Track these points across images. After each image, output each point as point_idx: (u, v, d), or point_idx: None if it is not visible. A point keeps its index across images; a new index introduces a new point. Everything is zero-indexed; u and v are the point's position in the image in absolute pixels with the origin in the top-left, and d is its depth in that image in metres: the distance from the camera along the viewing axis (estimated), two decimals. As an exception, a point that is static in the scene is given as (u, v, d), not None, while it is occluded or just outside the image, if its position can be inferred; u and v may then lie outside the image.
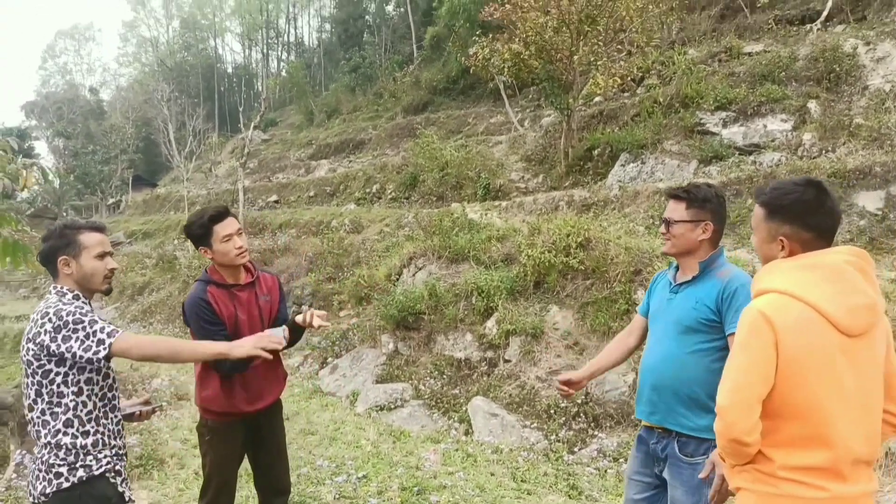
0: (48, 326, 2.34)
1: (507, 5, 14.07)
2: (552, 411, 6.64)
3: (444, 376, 7.88)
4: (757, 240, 2.16)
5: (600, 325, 7.34)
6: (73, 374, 2.40)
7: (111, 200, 41.97)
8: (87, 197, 41.97)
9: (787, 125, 11.20)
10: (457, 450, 6.20)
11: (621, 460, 5.68)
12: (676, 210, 2.80)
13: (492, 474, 5.56)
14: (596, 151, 13.51)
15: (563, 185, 13.54)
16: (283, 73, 51.23)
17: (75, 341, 2.33)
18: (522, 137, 17.27)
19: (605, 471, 5.57)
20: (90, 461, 2.42)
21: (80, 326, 2.34)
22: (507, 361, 7.55)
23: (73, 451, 2.40)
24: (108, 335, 2.36)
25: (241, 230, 3.20)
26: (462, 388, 7.59)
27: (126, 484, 2.58)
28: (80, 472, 2.40)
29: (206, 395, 3.17)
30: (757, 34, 16.24)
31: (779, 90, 11.57)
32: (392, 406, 7.64)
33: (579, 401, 6.57)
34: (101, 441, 2.47)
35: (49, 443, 2.40)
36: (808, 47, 12.38)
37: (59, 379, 2.39)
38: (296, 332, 3.17)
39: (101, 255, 2.56)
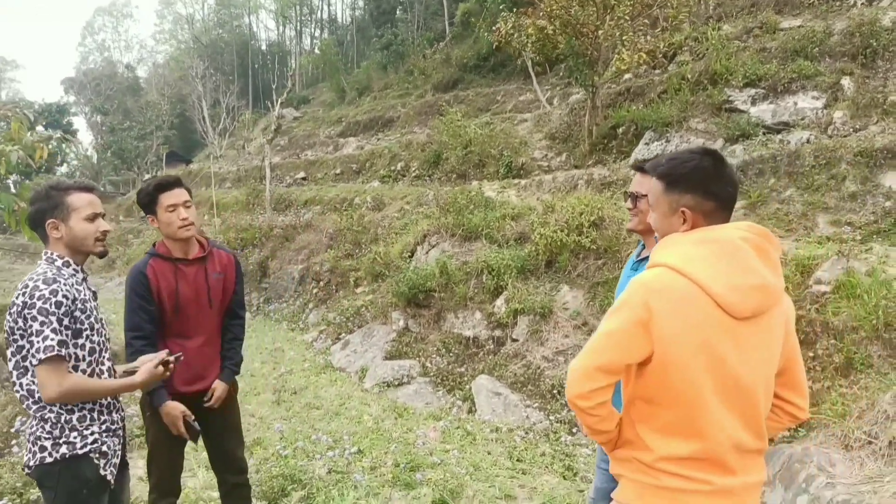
0: (19, 301, 2.27)
1: (533, -21, 13.78)
2: (556, 391, 6.55)
3: (452, 354, 7.84)
4: (657, 215, 2.01)
5: (610, 306, 7.19)
6: None
7: (147, 176, 42.68)
8: (123, 172, 42.72)
9: (818, 103, 10.78)
10: (457, 427, 6.17)
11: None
12: (644, 184, 2.69)
13: (488, 453, 5.52)
14: (620, 129, 13.22)
15: (587, 163, 13.29)
16: (316, 51, 51.25)
17: (37, 326, 2.23)
18: (548, 115, 16.99)
19: (603, 453, 5.47)
20: (74, 437, 2.35)
21: (41, 318, 2.23)
22: (514, 340, 7.48)
23: (58, 426, 2.33)
24: (43, 352, 2.21)
25: (188, 202, 3.12)
26: (468, 367, 7.54)
27: (111, 465, 2.46)
28: (63, 449, 2.33)
29: None
30: (797, 9, 15.65)
31: (811, 66, 11.13)
32: (399, 382, 7.63)
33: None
34: (87, 416, 2.39)
35: (35, 416, 2.35)
36: (844, 21, 11.87)
37: (29, 356, 2.30)
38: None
39: (92, 217, 2.44)
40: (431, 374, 7.63)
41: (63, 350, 2.25)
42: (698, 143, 11.48)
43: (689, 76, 12.85)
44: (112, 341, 2.68)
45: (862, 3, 13.65)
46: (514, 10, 15.40)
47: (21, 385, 2.34)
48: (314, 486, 4.57)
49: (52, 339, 2.23)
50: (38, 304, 2.24)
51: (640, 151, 12.33)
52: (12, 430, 4.92)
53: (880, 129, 9.36)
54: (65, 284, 2.33)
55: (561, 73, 22.48)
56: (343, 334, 9.75)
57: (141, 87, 59.56)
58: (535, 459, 5.39)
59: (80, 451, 2.36)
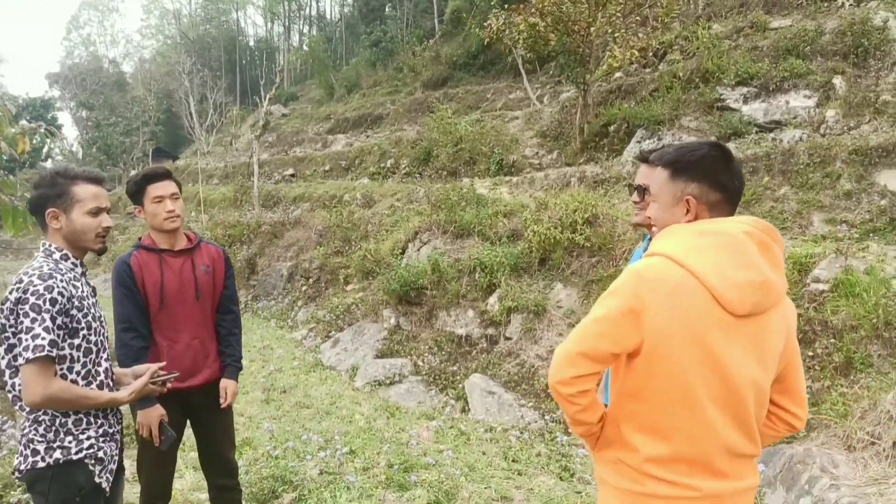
0: (13, 295, 2.12)
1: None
2: (550, 390, 6.46)
3: (444, 352, 7.74)
4: (658, 206, 1.93)
5: (604, 304, 7.12)
6: None
7: (133, 172, 42.19)
8: (108, 168, 42.26)
9: (810, 101, 10.77)
10: (450, 427, 6.07)
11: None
12: (650, 176, 2.57)
13: (483, 453, 5.42)
14: (612, 127, 13.17)
15: (578, 161, 13.23)
16: (305, 47, 50.95)
17: (27, 323, 2.08)
18: (539, 113, 16.92)
19: (600, 453, 5.38)
20: (69, 442, 2.19)
21: (33, 314, 2.08)
22: (507, 339, 7.39)
23: (53, 429, 2.18)
24: (32, 351, 2.06)
25: (176, 195, 3.07)
26: (461, 365, 7.44)
27: (107, 472, 2.30)
28: (57, 454, 2.17)
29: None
30: (785, 10, 15.69)
31: (803, 65, 11.13)
32: (390, 381, 7.52)
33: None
34: (84, 420, 2.24)
35: (28, 417, 2.21)
36: (835, 20, 11.88)
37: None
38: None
39: (96, 212, 2.29)
40: (424, 372, 7.53)
41: (54, 351, 2.10)
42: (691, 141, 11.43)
43: (681, 74, 12.81)
44: (110, 340, 2.54)
45: (850, 4, 13.69)
46: (506, 6, 15.31)
47: (13, 385, 2.20)
48: (306, 487, 4.45)
49: (44, 339, 2.08)
50: (32, 299, 2.10)
51: (632, 149, 12.28)
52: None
53: (873, 128, 9.35)
54: (62, 280, 2.18)
55: (551, 72, 22.46)
56: (333, 332, 9.62)
57: (127, 82, 58.95)
58: (530, 460, 5.30)
59: (74, 457, 2.21)
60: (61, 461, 2.18)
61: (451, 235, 9.19)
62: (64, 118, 57.91)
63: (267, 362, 8.88)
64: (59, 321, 2.14)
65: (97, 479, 2.26)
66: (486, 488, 4.68)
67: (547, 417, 6.15)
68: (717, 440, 1.72)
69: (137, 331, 2.96)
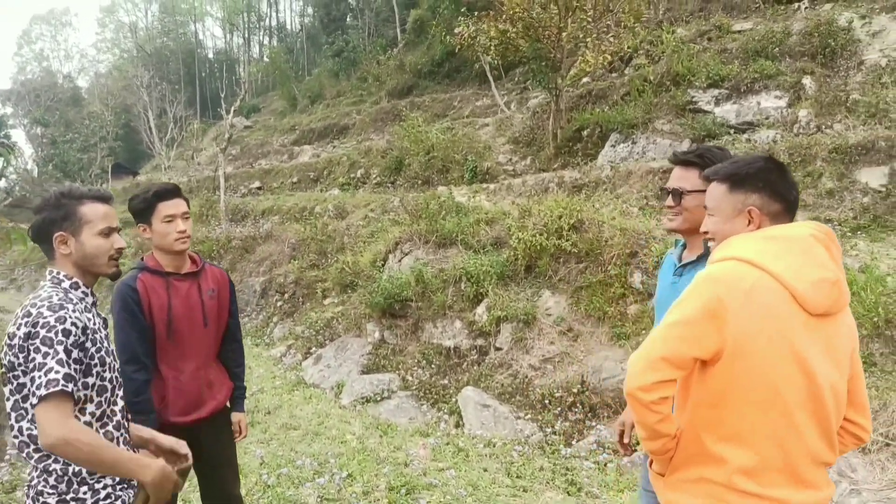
0: (22, 331, 1.89)
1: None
2: (546, 401, 6.32)
3: (433, 366, 7.54)
4: (717, 219, 1.93)
5: (595, 310, 7.03)
6: None
7: (90, 188, 41.08)
8: (48, 191, 41.17)
9: (781, 102, 10.89)
10: (447, 444, 5.89)
11: (622, 453, 5.37)
12: (688, 178, 2.43)
13: (485, 470, 5.25)
14: (585, 132, 13.16)
15: (552, 166, 13.20)
16: (265, 59, 50.39)
17: (41, 357, 1.84)
18: (509, 119, 16.88)
19: (605, 464, 5.26)
20: (84, 493, 1.97)
21: (45, 349, 1.85)
22: (498, 349, 7.23)
23: (65, 479, 1.94)
24: (45, 387, 1.80)
25: (187, 214, 2.87)
26: (451, 378, 7.26)
27: None
28: None
29: None
30: (745, 13, 15.94)
31: (772, 66, 11.25)
32: (379, 398, 7.30)
33: (575, 390, 6.26)
34: None
35: (37, 467, 1.96)
36: (801, 22, 12.07)
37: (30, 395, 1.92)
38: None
39: (107, 232, 2.10)
40: (413, 387, 7.32)
41: (69, 385, 1.85)
42: (665, 144, 11.49)
43: (652, 78, 12.88)
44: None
45: (806, 8, 13.95)
46: (472, 14, 15.24)
47: (21, 430, 1.95)
48: (306, 516, 4.23)
49: (58, 372, 1.83)
50: (43, 332, 1.87)
51: (607, 154, 12.29)
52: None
53: (844, 126, 9.47)
54: (73, 311, 1.95)
55: (517, 78, 22.52)
56: (314, 348, 9.35)
57: (83, 97, 57.63)
58: (534, 475, 5.14)
59: None
60: None
61: (433, 245, 9.02)
62: (17, 136, 56.29)
63: (247, 382, 8.55)
64: (74, 354, 1.91)
65: None
66: (493, 508, 4.51)
67: (546, 429, 5.99)
68: (803, 447, 1.67)
69: (140, 362, 2.73)
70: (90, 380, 1.99)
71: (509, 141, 15.36)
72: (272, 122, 36.80)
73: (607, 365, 6.46)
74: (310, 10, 54.16)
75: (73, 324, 1.93)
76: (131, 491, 2.11)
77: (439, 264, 8.63)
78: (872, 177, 7.39)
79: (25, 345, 1.88)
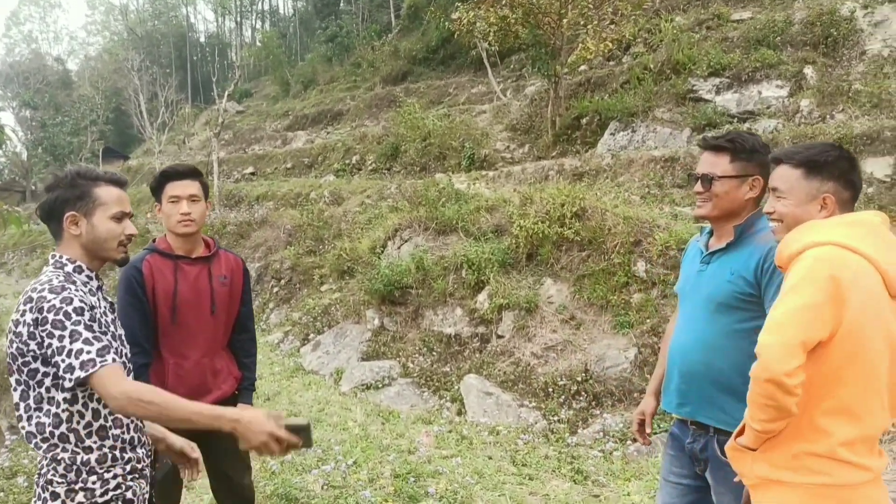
0: (28, 318, 1.84)
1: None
2: (550, 389, 6.29)
3: (434, 353, 7.50)
4: (790, 202, 1.98)
5: (598, 299, 6.99)
6: None
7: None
8: (56, 170, 40.77)
9: (782, 91, 10.86)
10: (450, 431, 5.85)
11: (627, 441, 5.36)
12: (718, 164, 2.36)
13: (489, 458, 5.22)
14: (584, 120, 13.09)
15: (551, 154, 13.12)
16: (258, 43, 49.91)
17: (57, 341, 1.80)
18: (507, 107, 16.77)
19: (611, 453, 5.23)
20: (93, 483, 1.91)
21: (59, 332, 1.80)
22: (500, 337, 7.19)
23: (74, 468, 1.89)
24: (81, 368, 1.77)
25: (195, 197, 2.79)
26: (453, 366, 7.22)
27: None
28: (80, 497, 1.89)
29: None
30: (742, 2, 15.87)
31: (774, 55, 11.21)
32: (379, 385, 7.25)
33: (579, 378, 6.23)
34: (109, 456, 1.94)
35: (45, 456, 1.90)
36: (803, 11, 12.01)
37: (47, 381, 1.87)
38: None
39: (120, 217, 2.04)
40: (414, 374, 7.27)
41: (107, 357, 1.81)
42: (665, 133, 11.45)
43: (652, 66, 12.81)
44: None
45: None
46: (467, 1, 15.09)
47: (29, 419, 1.90)
48: (313, 504, 4.18)
49: (90, 352, 1.79)
50: (51, 316, 1.80)
51: (606, 142, 12.23)
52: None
53: (846, 116, 9.45)
54: (77, 291, 1.89)
55: (513, 65, 22.36)
56: (312, 335, 9.28)
57: (73, 80, 56.85)
58: (539, 463, 5.11)
59: (99, 500, 1.91)
60: None
61: (433, 232, 8.95)
62: (6, 118, 55.63)
63: (244, 368, 8.49)
64: (95, 328, 1.85)
65: None
66: (500, 496, 4.47)
67: (551, 418, 5.97)
68: (885, 421, 1.83)
69: (140, 345, 2.65)
70: None
71: (507, 128, 15.26)
72: (264, 107, 36.48)
73: (610, 353, 6.43)
74: (303, -5, 53.68)
75: (81, 300, 1.87)
76: (143, 481, 2.05)
77: (439, 251, 8.56)
78: (877, 167, 7.37)
79: (35, 332, 1.82)
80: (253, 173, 23.07)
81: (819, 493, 1.77)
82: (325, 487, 4.48)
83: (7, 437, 5.13)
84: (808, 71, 10.74)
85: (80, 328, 1.82)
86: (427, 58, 27.71)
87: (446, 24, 17.49)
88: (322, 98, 30.79)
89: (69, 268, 1.99)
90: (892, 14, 10.75)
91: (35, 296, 1.85)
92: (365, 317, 8.58)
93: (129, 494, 1.98)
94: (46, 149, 39.52)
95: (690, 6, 16.62)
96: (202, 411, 1.87)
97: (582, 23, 12.74)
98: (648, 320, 6.46)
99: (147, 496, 2.09)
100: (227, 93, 20.50)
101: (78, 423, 1.91)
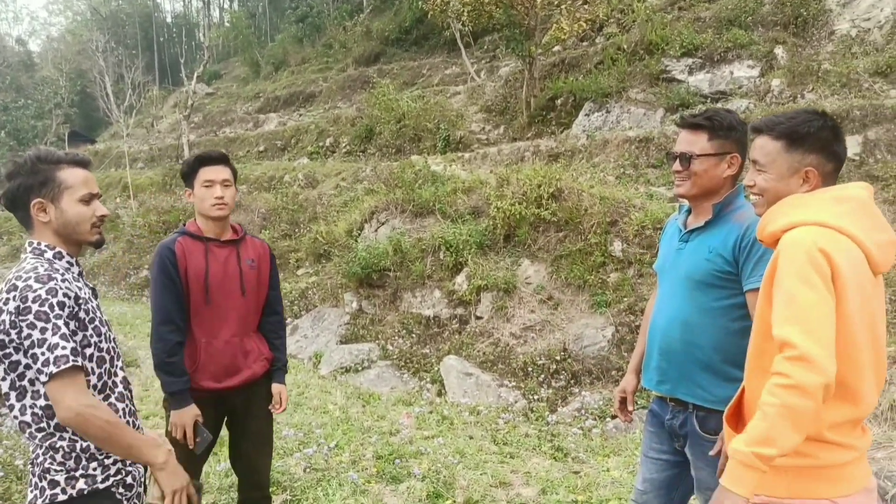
0: (11, 306, 1.78)
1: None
2: (529, 369, 6.36)
3: (413, 335, 7.52)
4: (770, 176, 1.90)
5: (575, 279, 7.06)
6: None
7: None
8: (20, 154, 39.78)
9: (753, 71, 10.97)
10: (431, 412, 5.88)
11: (606, 419, 5.44)
12: (696, 142, 2.35)
13: (470, 437, 5.26)
14: (559, 101, 13.11)
15: (526, 135, 13.15)
16: (226, 24, 49.01)
17: (37, 335, 1.75)
18: (481, 88, 16.74)
19: (590, 430, 5.31)
20: (94, 469, 1.89)
21: (41, 323, 1.76)
22: (478, 318, 7.23)
23: (73, 455, 1.86)
24: (54, 364, 1.73)
25: (228, 182, 2.86)
26: (432, 347, 7.25)
27: (136, 498, 2.03)
28: (81, 484, 1.86)
29: None
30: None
31: (745, 35, 11.31)
32: (359, 367, 7.26)
33: (557, 357, 6.30)
34: None
35: (41, 445, 1.86)
36: (773, -8, 12.10)
37: (30, 374, 1.82)
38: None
39: (88, 198, 1.98)
40: (393, 357, 7.29)
41: (78, 360, 1.77)
42: (639, 113, 11.51)
43: (626, 47, 12.86)
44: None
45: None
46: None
47: (22, 409, 1.86)
48: (296, 487, 4.19)
49: (65, 349, 1.75)
50: (35, 307, 1.77)
51: (581, 123, 12.27)
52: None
53: (816, 96, 9.58)
54: (62, 281, 1.85)
55: (486, 46, 22.26)
56: (289, 319, 9.23)
57: (35, 62, 55.48)
58: (520, 442, 5.17)
59: (101, 486, 1.89)
60: (86, 492, 1.87)
61: (410, 214, 8.94)
62: (-35, 101, 54.08)
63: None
64: (71, 326, 1.82)
65: None
66: (482, 474, 4.51)
67: (530, 397, 6.03)
68: (872, 401, 1.76)
69: (174, 323, 2.74)
70: (88, 351, 1.91)
71: (482, 109, 15.24)
72: (234, 89, 35.90)
73: (588, 332, 6.51)
74: (272, -26, 52.72)
75: (66, 294, 1.83)
76: (141, 466, 2.04)
77: (417, 233, 8.56)
78: (847, 145, 7.49)
79: (17, 320, 1.78)
80: (225, 156, 22.76)
81: (804, 474, 1.74)
82: (308, 470, 4.49)
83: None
84: (779, 51, 10.86)
85: (60, 322, 1.79)
86: (400, 38, 27.46)
87: (419, 3, 17.34)
88: (294, 80, 30.39)
89: (49, 254, 1.94)
90: (860, -6, 10.89)
91: (20, 284, 1.80)
92: (343, 300, 8.56)
93: (129, 479, 1.98)
94: (10, 133, 38.47)
95: (663, -14, 16.72)
96: (141, 446, 1.87)
97: (556, 3, 12.72)
98: (625, 299, 6.53)
99: (145, 481, 2.07)
100: (195, 74, 20.16)
101: None
